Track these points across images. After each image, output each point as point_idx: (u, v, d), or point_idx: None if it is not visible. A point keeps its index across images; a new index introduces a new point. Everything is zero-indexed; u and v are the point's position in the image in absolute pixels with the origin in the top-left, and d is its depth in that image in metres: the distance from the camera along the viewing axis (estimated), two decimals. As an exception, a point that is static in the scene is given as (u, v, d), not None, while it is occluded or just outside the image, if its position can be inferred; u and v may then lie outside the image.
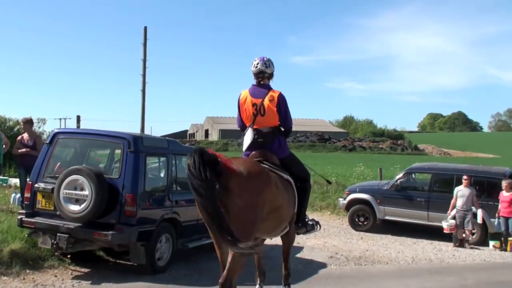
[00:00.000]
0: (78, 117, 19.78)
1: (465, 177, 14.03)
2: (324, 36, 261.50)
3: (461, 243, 13.78)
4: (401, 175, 15.90)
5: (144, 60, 32.50)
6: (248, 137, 6.23)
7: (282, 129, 6.43)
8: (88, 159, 9.29)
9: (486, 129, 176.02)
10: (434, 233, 14.70)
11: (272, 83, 6.54)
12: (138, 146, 8.41)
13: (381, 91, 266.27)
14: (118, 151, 8.68)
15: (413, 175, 16.41)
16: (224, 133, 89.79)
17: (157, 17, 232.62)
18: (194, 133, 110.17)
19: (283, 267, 6.75)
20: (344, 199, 16.33)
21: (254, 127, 6.23)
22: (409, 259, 11.41)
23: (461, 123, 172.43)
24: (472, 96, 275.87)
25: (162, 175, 9.26)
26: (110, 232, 7.98)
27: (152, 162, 9.68)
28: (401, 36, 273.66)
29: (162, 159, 9.32)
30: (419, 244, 13.71)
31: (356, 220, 15.86)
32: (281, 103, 6.24)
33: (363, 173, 21.61)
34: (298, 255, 11.14)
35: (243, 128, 6.39)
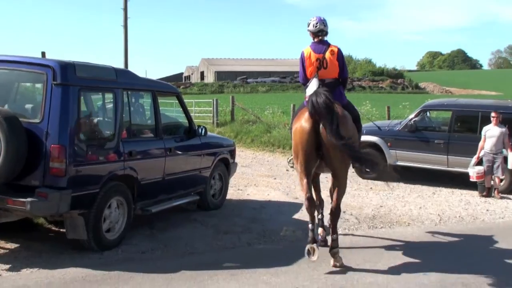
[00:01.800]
0: (43, 54, 16.92)
1: (493, 114, 11.66)
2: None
3: (488, 192, 11.56)
4: (415, 113, 13.50)
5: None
6: (313, 86, 6.69)
7: (340, 79, 6.99)
8: (16, 97, 6.81)
9: (486, 66, 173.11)
10: (454, 180, 12.55)
11: None
12: (68, 77, 5.94)
13: (379, 30, 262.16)
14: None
15: (428, 114, 14.02)
16: (219, 75, 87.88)
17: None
18: (189, 76, 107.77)
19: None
20: (349, 142, 14.03)
21: (319, 75, 6.76)
22: (435, 218, 9.13)
23: (461, 61, 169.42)
24: (471, 33, 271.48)
25: (110, 117, 6.80)
26: (29, 199, 5.65)
27: (97, 100, 7.30)
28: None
29: (108, 95, 6.87)
30: (440, 194, 11.49)
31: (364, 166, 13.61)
32: (340, 56, 6.88)
33: (369, 112, 19.24)
34: (296, 216, 8.90)
35: (305, 81, 6.93)
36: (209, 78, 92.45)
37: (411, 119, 13.29)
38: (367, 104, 19.30)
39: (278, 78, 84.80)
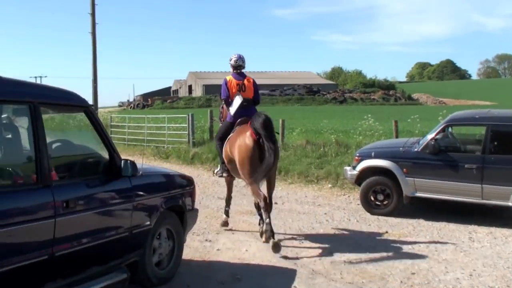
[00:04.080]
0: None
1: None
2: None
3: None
4: (437, 130, 10.43)
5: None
6: (237, 102, 8.68)
7: (254, 100, 8.98)
8: None
9: (474, 76, 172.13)
10: (488, 214, 9.86)
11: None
12: None
13: (367, 42, 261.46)
14: None
15: (449, 129, 10.90)
16: (207, 89, 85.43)
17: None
18: (177, 90, 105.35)
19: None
20: (354, 167, 10.94)
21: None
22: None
23: (450, 71, 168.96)
24: (458, 44, 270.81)
25: None
26: None
27: None
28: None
29: None
30: (481, 241, 8.41)
31: (372, 198, 10.55)
32: (254, 83, 9.03)
33: (372, 128, 16.12)
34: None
35: (227, 99, 8.84)
36: (197, 92, 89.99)
37: (433, 137, 10.24)
38: (368, 119, 16.19)
39: (268, 91, 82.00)
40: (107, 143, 5.05)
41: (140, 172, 5.28)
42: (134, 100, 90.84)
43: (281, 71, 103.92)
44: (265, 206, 7.62)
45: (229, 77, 8.93)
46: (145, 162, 17.90)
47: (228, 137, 8.50)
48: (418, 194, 10.21)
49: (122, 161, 5.04)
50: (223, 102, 9.14)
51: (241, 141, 7.85)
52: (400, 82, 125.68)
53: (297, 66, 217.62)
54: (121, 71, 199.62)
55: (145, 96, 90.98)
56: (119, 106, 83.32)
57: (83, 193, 4.62)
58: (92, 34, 26.31)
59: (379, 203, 10.48)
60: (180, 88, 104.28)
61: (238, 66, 8.94)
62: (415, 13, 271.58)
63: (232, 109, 8.67)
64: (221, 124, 9.49)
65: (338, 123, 23.68)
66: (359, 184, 10.84)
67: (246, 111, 8.53)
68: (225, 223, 9.12)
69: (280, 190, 12.97)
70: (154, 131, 20.19)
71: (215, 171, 9.48)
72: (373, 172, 10.60)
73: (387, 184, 10.40)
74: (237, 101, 8.62)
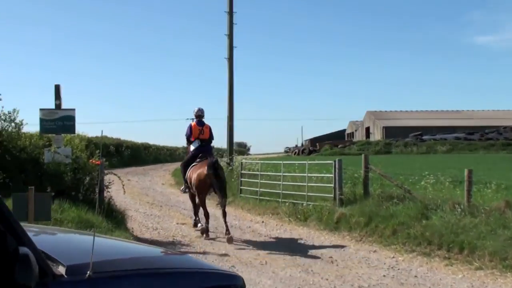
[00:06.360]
0: (57, 87, 11.13)
1: None
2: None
3: None
4: None
5: (230, 12, 23.15)
6: (196, 144, 12.87)
7: (210, 140, 13.26)
8: None
9: None
10: None
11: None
12: None
13: None
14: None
15: None
16: (388, 131, 76.09)
17: None
18: (353, 132, 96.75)
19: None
20: None
21: (200, 138, 12.90)
22: None
23: None
24: None
25: None
26: None
27: None
28: None
29: None
30: None
31: None
32: (210, 129, 13.08)
33: None
34: None
35: (189, 138, 13.01)
36: (376, 135, 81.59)
37: None
38: None
39: (463, 134, 70.84)
40: None
41: (88, 273, 2.61)
42: (302, 145, 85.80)
43: (482, 110, 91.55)
44: (206, 215, 12.13)
45: (193, 123, 13.22)
46: (278, 224, 13.65)
47: (192, 164, 12.58)
48: None
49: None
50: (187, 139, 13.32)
51: (200, 171, 11.99)
52: None
53: (504, 104, 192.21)
54: (288, 111, 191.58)
55: (314, 141, 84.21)
56: (285, 152, 79.38)
57: None
58: (229, 60, 22.74)
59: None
60: (356, 130, 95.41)
61: (199, 116, 13.05)
62: None
63: (193, 146, 12.97)
64: (187, 155, 13.57)
65: None
66: None
67: (204, 148, 12.88)
68: (202, 231, 12.33)
69: (460, 279, 8.11)
70: (296, 183, 15.89)
71: (181, 188, 13.86)
72: None
73: None
74: (196, 143, 12.92)
